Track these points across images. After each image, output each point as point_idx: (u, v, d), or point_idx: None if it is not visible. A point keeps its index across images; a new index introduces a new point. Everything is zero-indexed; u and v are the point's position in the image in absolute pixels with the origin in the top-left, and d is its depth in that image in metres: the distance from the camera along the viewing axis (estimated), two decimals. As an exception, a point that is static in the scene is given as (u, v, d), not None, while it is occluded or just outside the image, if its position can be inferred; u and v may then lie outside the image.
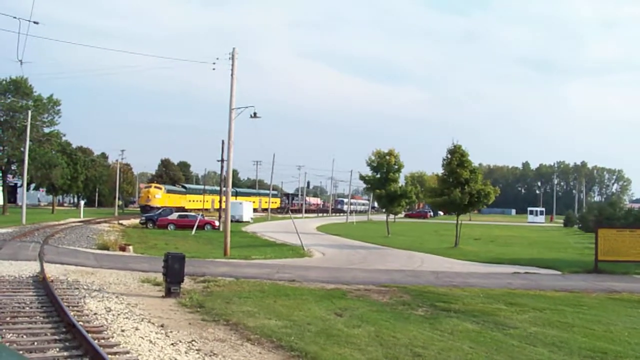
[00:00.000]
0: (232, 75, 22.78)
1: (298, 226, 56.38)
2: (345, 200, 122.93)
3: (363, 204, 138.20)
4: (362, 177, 41.19)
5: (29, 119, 40.80)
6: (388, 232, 40.25)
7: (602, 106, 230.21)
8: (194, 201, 78.66)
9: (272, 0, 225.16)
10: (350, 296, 14.08)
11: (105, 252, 22.11)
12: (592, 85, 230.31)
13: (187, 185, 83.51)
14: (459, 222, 30.44)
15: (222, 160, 41.26)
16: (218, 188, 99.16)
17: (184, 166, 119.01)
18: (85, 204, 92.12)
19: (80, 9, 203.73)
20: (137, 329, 9.26)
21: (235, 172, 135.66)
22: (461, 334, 10.18)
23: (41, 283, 13.16)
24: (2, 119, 50.80)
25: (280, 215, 79.02)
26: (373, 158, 39.40)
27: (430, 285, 16.48)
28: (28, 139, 40.48)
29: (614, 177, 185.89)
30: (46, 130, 53.48)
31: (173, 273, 12.79)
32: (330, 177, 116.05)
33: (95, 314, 10.28)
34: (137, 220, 50.40)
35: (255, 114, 22.86)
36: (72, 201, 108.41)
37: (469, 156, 30.17)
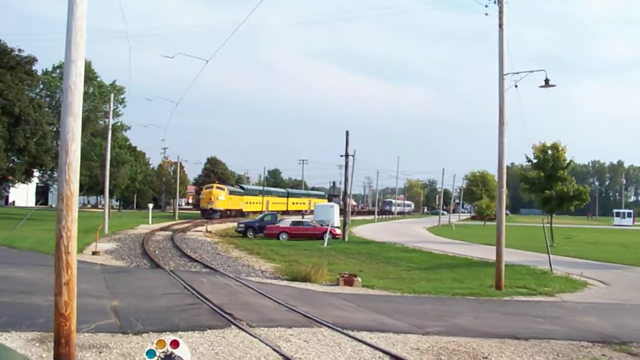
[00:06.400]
0: (500, 25, 15.25)
1: (395, 231, 49.53)
2: (394, 201, 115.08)
3: (407, 205, 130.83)
4: (524, 177, 33.63)
5: (111, 108, 33.89)
6: (553, 239, 32.54)
7: (617, 105, 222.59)
8: (251, 203, 71.49)
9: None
10: None
11: (323, 288, 14.70)
12: (606, 84, 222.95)
13: (244, 186, 76.21)
14: None
15: (347, 156, 33.86)
16: (273, 189, 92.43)
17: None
18: (124, 206, 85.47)
19: None
20: None
21: (277, 172, 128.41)
22: None
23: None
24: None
25: (359, 218, 71.37)
26: (536, 153, 31.97)
27: None
28: (110, 132, 33.48)
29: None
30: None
31: None
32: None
33: None
34: (222, 226, 43.40)
35: (547, 81, 15.45)
36: (102, 203, 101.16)
37: None
